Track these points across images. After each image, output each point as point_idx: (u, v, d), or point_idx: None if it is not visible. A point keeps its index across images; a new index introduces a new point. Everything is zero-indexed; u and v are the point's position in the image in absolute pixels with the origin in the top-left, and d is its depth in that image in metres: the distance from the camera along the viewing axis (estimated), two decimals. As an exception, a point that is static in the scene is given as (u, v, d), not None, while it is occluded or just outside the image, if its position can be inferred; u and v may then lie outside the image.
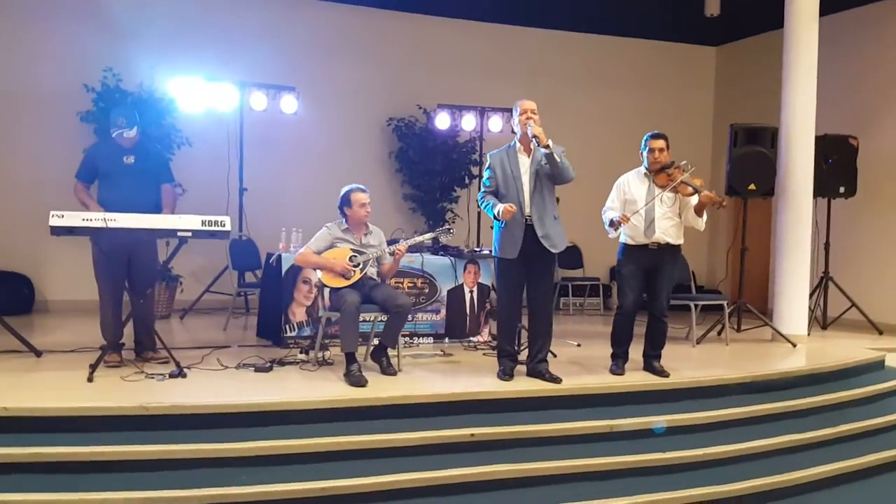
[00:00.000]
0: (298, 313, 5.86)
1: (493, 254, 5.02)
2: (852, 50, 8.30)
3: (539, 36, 9.60)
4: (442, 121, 8.34)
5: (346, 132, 8.74)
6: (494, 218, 4.83)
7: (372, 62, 8.80)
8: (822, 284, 7.93)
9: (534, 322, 4.95)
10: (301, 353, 5.39)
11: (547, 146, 4.67)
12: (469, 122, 8.44)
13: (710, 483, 4.31)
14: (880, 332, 7.63)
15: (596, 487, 4.11)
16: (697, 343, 6.70)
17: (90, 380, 4.41)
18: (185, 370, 4.68)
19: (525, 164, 4.87)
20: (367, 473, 3.83)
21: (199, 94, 7.41)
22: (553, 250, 4.80)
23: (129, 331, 5.07)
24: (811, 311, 7.48)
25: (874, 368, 6.21)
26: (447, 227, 5.32)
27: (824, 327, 7.92)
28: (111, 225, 4.40)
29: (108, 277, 4.88)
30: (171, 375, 4.59)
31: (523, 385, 4.70)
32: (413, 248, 5.25)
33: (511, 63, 9.36)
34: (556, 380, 4.73)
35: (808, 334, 7.15)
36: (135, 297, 4.94)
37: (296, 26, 8.53)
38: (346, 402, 4.21)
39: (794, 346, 6.72)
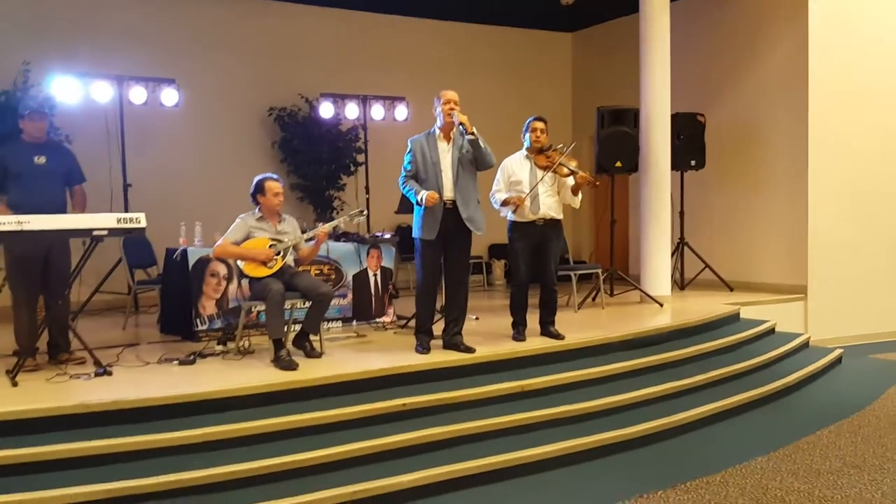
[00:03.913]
0: (208, 306, 5.93)
1: (413, 235, 5.34)
2: (698, 34, 9.06)
3: (410, 25, 9.90)
4: (326, 110, 8.51)
5: (228, 123, 8.71)
6: (417, 203, 5.15)
7: (250, 53, 8.81)
8: (678, 249, 8.81)
9: (451, 298, 5.33)
10: (218, 344, 5.51)
11: (472, 133, 5.03)
12: (352, 111, 8.67)
13: (611, 428, 4.84)
14: (731, 289, 8.57)
15: (515, 441, 4.54)
16: (579, 308, 7.34)
17: (14, 384, 4.36)
18: (109, 368, 4.71)
19: (444, 150, 5.21)
20: (312, 448, 4.07)
21: (75, 90, 7.20)
22: (478, 232, 5.21)
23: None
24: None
25: (731, 321, 7.08)
26: (361, 209, 5.57)
27: (682, 288, 8.79)
28: (26, 228, 4.34)
29: (23, 282, 4.82)
30: (97, 374, 4.61)
31: (442, 357, 5.08)
32: (321, 235, 5.46)
33: (386, 52, 9.61)
34: (471, 350, 5.16)
35: (670, 294, 8.00)
36: (51, 300, 4.88)
37: (172, 19, 8.42)
38: (283, 385, 4.43)
39: (661, 305, 7.52)
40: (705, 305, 7.40)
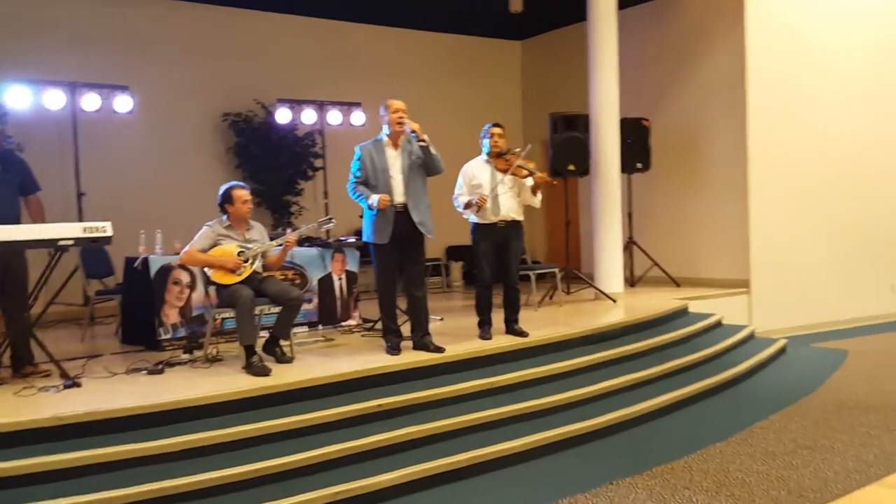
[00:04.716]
0: (171, 315, 5.90)
1: (363, 239, 5.45)
2: (642, 41, 9.38)
3: (366, 32, 10.03)
4: (282, 115, 8.54)
5: (182, 129, 8.70)
6: (368, 208, 5.25)
7: (206, 59, 8.82)
8: (627, 248, 9.10)
9: (412, 299, 5.45)
10: (184, 353, 5.50)
11: (424, 140, 5.16)
12: (309, 117, 8.71)
13: (577, 420, 5.03)
14: (678, 285, 8.90)
15: (489, 436, 4.68)
16: (539, 307, 7.53)
17: (-18, 399, 4.31)
18: (78, 380, 4.67)
19: (392, 156, 5.32)
20: (292, 452, 4.12)
21: (27, 97, 7.09)
22: (429, 235, 5.34)
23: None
24: (621, 271, 8.60)
25: (680, 315, 7.36)
26: (329, 217, 5.63)
27: (633, 285, 9.10)
28: (-9, 239, 4.30)
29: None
30: (66, 386, 4.56)
31: (413, 357, 5.19)
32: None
33: (343, 58, 9.74)
34: (441, 350, 5.28)
35: (623, 291, 8.26)
36: (16, 313, 4.81)
37: (126, 25, 8.38)
38: (258, 391, 4.46)
39: (615, 302, 7.77)
40: (655, 301, 7.67)
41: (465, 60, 10.85)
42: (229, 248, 5.14)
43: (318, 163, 9.05)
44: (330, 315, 6.58)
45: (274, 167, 8.72)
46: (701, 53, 8.99)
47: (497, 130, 5.89)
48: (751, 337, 7.55)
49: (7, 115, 6.75)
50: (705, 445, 4.82)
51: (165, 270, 5.89)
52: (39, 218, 5.06)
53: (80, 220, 7.39)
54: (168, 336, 5.88)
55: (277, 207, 8.87)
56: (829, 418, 5.31)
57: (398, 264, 5.45)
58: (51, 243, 4.58)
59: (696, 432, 5.12)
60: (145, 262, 5.90)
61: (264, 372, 4.74)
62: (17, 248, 4.63)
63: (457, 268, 10.21)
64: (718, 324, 7.52)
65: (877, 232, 9.43)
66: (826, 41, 9.06)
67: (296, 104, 8.71)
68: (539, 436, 4.78)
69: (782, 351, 7.40)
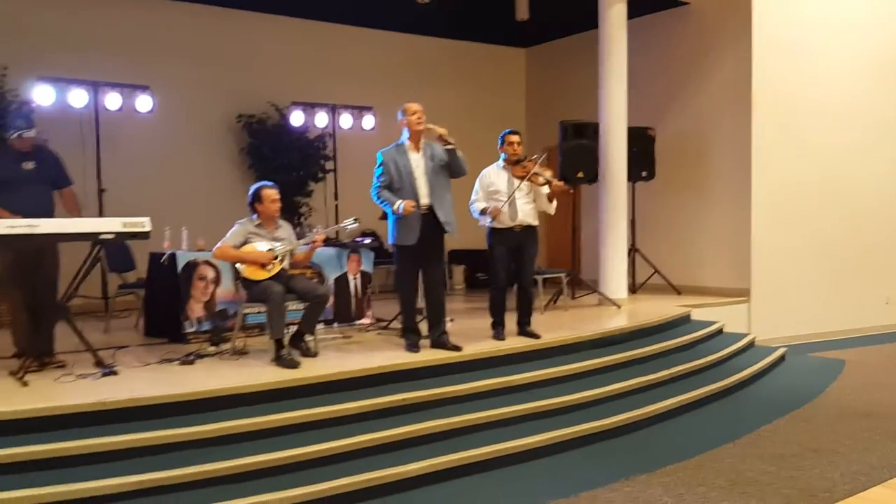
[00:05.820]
0: (196, 309, 6.07)
1: (389, 242, 5.64)
2: (647, 51, 9.53)
3: (377, 37, 10.20)
4: (296, 118, 8.73)
5: (198, 130, 8.88)
6: (393, 213, 5.43)
7: (223, 62, 8.98)
8: (630, 255, 9.30)
9: (431, 298, 5.63)
10: (211, 346, 5.67)
11: (451, 143, 5.35)
12: (321, 120, 8.90)
13: (589, 420, 5.22)
14: (679, 293, 9.10)
15: (506, 431, 4.87)
16: (545, 310, 7.73)
17: (25, 384, 4.46)
18: (115, 368, 4.84)
19: (416, 159, 5.52)
20: (322, 441, 4.31)
21: (52, 94, 7.27)
22: (454, 234, 5.54)
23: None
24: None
25: (683, 322, 7.58)
26: (355, 218, 5.80)
27: (634, 291, 9.27)
28: (35, 231, 4.47)
29: (19, 285, 4.89)
30: (104, 374, 4.73)
31: (432, 355, 5.38)
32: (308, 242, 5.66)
33: (355, 63, 9.90)
34: (458, 348, 5.47)
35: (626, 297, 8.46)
36: (47, 303, 4.97)
37: (147, 27, 8.55)
38: (289, 383, 4.65)
39: (619, 307, 7.97)
40: (658, 308, 7.86)
41: (471, 66, 11.04)
42: (259, 247, 5.31)
43: (328, 165, 9.22)
44: (345, 313, 6.76)
45: (285, 168, 8.87)
46: (707, 65, 9.20)
47: (515, 138, 6.09)
48: (751, 345, 7.77)
49: (33, 111, 6.89)
50: (714, 447, 5.02)
51: (191, 266, 6.06)
52: (75, 211, 5.23)
53: (101, 215, 7.56)
54: (192, 329, 6.05)
55: (288, 208, 8.95)
56: (833, 423, 5.52)
57: (420, 264, 5.64)
58: (92, 236, 4.75)
59: (705, 434, 5.32)
60: (172, 257, 6.07)
61: (293, 364, 4.93)
62: (57, 241, 4.79)
63: (459, 271, 10.38)
64: (720, 331, 7.73)
65: (874, 247, 9.69)
66: (830, 56, 9.31)
67: (309, 107, 8.89)
68: (553, 433, 4.96)
69: (782, 359, 7.62)
